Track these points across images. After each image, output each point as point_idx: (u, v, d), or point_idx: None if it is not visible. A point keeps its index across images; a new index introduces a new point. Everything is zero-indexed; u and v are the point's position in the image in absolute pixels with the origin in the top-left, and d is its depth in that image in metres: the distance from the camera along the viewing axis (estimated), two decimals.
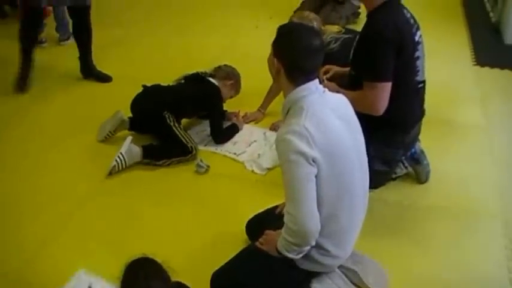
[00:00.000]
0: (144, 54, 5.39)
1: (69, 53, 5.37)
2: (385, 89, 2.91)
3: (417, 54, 3.03)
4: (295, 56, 2.25)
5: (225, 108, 4.06)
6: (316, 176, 2.16)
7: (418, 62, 3.05)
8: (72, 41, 5.45)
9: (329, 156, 2.18)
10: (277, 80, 2.35)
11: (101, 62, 5.18)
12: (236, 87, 4.10)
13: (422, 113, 3.28)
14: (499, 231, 3.17)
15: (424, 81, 3.17)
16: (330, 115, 2.25)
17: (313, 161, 2.14)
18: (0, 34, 5.77)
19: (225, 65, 4.14)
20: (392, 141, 3.14)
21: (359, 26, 5.79)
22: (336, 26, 4.36)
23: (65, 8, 5.43)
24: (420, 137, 3.41)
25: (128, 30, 5.98)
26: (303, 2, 6.12)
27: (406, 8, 3.04)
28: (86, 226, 3.18)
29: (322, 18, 5.91)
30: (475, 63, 5.26)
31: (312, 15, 4.03)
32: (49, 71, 5.01)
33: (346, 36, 3.97)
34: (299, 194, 2.15)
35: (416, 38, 3.03)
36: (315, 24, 3.92)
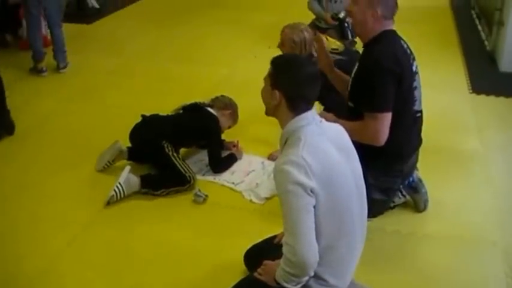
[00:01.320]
0: (143, 84, 5.42)
1: (67, 82, 5.43)
2: (386, 119, 2.92)
3: (415, 84, 3.05)
4: (298, 85, 2.27)
5: (223, 138, 4.08)
6: (314, 206, 2.16)
7: (416, 92, 3.07)
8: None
9: (327, 186, 2.19)
10: (275, 112, 2.36)
11: (101, 91, 5.22)
12: (234, 117, 4.13)
13: (419, 142, 3.29)
14: (499, 259, 3.16)
15: (421, 111, 3.19)
16: (327, 145, 2.26)
17: (312, 192, 2.14)
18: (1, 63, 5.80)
19: (222, 96, 4.17)
20: (391, 171, 3.15)
21: None
22: (338, 43, 4.39)
23: (63, 35, 5.51)
24: (418, 165, 3.42)
25: (128, 60, 6.04)
26: None
27: (402, 39, 3.08)
28: (84, 256, 3.16)
29: None
30: (471, 91, 5.30)
31: (304, 25, 4.11)
32: (48, 100, 5.04)
33: (338, 57, 4.00)
34: (297, 225, 2.15)
35: (414, 68, 3.06)
36: (306, 34, 3.98)
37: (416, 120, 3.17)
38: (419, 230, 3.37)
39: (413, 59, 3.09)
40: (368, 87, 2.93)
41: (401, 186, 3.38)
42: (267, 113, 2.40)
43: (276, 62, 2.35)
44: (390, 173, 3.15)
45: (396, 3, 3.00)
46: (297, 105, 2.28)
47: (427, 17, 7.74)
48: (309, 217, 2.15)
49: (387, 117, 2.92)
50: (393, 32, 3.03)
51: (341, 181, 2.25)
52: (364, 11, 2.96)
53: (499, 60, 5.92)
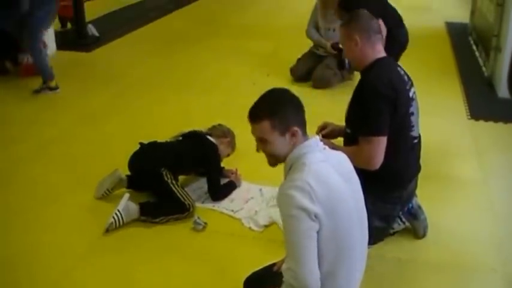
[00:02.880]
0: (142, 111, 5.43)
1: (67, 109, 5.44)
2: (381, 143, 2.94)
3: (411, 110, 3.07)
4: (278, 108, 2.31)
5: (222, 166, 4.08)
6: (317, 232, 2.16)
7: (413, 118, 3.09)
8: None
9: (330, 212, 2.18)
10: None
11: (100, 118, 5.24)
12: (232, 145, 4.15)
13: (418, 168, 3.30)
14: (499, 286, 3.15)
15: (419, 137, 3.21)
16: (331, 171, 2.26)
17: (315, 217, 2.13)
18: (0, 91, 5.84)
19: (219, 124, 4.20)
20: (390, 197, 3.15)
21: (354, 82, 5.89)
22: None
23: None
24: (417, 191, 3.42)
25: (127, 88, 6.05)
26: (298, 59, 6.22)
27: (399, 66, 3.11)
28: (83, 284, 3.14)
29: (317, 75, 5.99)
30: (469, 117, 5.32)
31: None
32: (47, 127, 5.05)
33: None
34: (300, 250, 2.14)
35: (410, 94, 3.08)
36: None
37: (415, 146, 3.19)
38: (419, 256, 3.36)
39: (411, 85, 3.12)
40: (362, 111, 2.97)
41: (400, 213, 3.38)
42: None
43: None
44: (389, 199, 3.15)
45: (374, 26, 3.08)
46: (279, 124, 2.29)
47: (425, 43, 7.77)
48: (311, 242, 2.14)
49: (382, 141, 2.94)
50: (388, 59, 3.08)
51: (344, 208, 2.25)
52: (348, 46, 3.08)
53: (497, 85, 5.95)
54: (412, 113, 3.08)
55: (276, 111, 2.31)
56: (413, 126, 3.10)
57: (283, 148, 2.33)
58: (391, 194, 3.15)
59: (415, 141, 3.17)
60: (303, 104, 2.35)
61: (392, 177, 3.06)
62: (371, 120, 2.95)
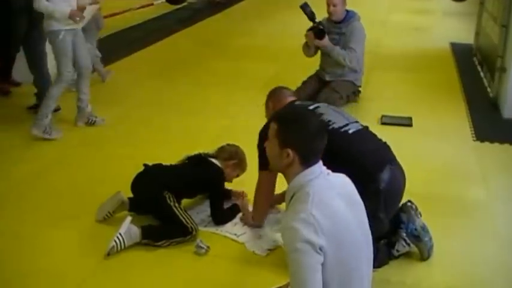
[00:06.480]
0: (145, 134, 5.42)
1: (68, 130, 5.43)
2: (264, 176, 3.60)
3: (319, 111, 3.39)
4: (310, 141, 2.28)
5: (229, 187, 4.06)
6: (322, 264, 2.13)
7: (325, 116, 3.33)
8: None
9: (335, 242, 2.15)
10: (286, 170, 2.33)
11: (102, 141, 5.22)
12: (241, 166, 4.07)
13: (386, 155, 3.36)
14: None
15: (357, 126, 3.41)
16: (335, 199, 2.24)
17: (320, 249, 2.11)
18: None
19: (228, 145, 4.12)
20: (369, 192, 2.93)
21: (360, 104, 5.90)
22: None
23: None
24: (421, 213, 3.39)
25: (129, 110, 6.05)
26: (304, 82, 6.21)
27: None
28: None
29: (323, 98, 5.99)
30: (474, 138, 5.28)
31: None
32: (48, 149, 5.04)
33: None
34: (306, 284, 2.11)
35: (311, 107, 3.44)
36: None
37: (362, 133, 3.36)
38: (424, 280, 3.31)
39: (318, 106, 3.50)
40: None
41: (404, 235, 3.37)
42: (276, 170, 2.39)
43: (281, 120, 2.34)
44: (369, 195, 3.03)
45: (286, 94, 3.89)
46: (310, 159, 2.29)
47: (429, 64, 7.79)
48: (317, 276, 2.12)
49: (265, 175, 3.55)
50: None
51: (349, 236, 2.23)
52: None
53: (502, 106, 5.93)
54: (321, 114, 3.31)
55: (286, 123, 2.32)
56: (329, 120, 3.30)
57: (276, 160, 2.32)
58: (368, 188, 2.95)
59: (356, 129, 3.34)
60: (322, 128, 2.35)
61: (360, 171, 2.94)
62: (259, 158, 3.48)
